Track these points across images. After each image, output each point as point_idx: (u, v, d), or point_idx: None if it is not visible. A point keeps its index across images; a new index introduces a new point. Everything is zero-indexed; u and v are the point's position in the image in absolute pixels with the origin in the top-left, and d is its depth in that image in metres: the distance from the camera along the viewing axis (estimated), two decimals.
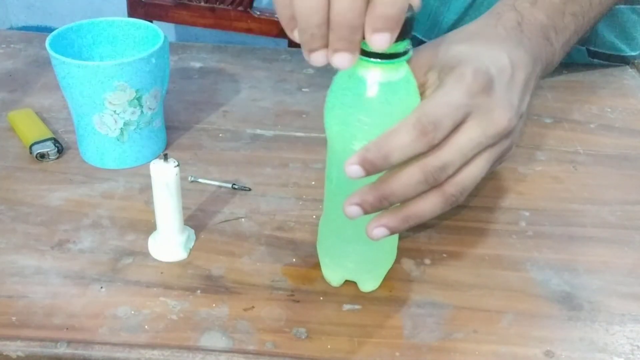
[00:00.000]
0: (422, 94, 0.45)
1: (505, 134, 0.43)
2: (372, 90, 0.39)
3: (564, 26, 0.54)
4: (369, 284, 0.48)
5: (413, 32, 0.38)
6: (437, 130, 0.39)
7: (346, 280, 0.48)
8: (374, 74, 0.38)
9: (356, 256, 0.46)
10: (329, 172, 0.44)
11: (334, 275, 0.48)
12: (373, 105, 0.39)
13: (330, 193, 0.45)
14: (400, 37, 0.37)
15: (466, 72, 0.42)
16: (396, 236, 0.47)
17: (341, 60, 0.37)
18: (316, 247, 0.49)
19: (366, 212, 0.40)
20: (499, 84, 0.43)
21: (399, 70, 0.39)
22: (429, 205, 0.42)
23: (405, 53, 0.38)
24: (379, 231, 0.41)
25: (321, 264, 0.49)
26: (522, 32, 0.50)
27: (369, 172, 0.39)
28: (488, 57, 0.44)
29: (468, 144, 0.41)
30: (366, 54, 0.38)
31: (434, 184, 0.41)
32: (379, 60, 0.38)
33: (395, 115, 0.39)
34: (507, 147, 0.45)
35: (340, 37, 0.37)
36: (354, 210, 0.40)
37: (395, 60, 0.38)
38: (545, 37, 0.52)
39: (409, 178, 0.40)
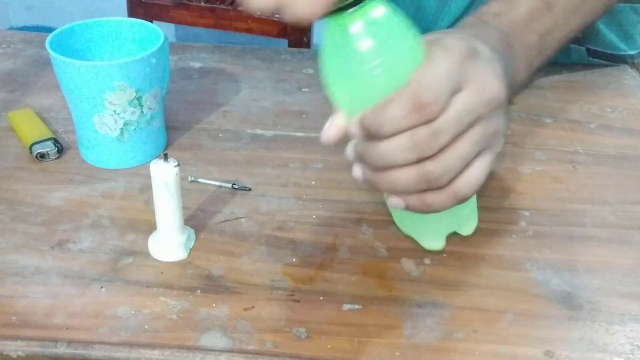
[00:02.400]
0: None
1: (497, 104, 0.42)
2: (358, 42, 0.39)
3: (528, 44, 0.54)
4: (469, 225, 0.50)
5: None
6: (437, 102, 0.39)
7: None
8: (348, 27, 0.39)
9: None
10: None
11: (437, 238, 0.50)
12: (362, 52, 0.40)
13: None
14: None
15: (450, 40, 0.42)
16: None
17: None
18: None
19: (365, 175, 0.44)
20: (482, 56, 0.43)
21: (367, 16, 0.39)
22: (402, 176, 0.42)
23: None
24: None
25: (419, 238, 0.50)
26: (488, 33, 0.50)
27: (367, 137, 0.40)
28: (468, 37, 0.44)
29: (463, 109, 0.40)
30: (333, 12, 0.39)
31: (425, 152, 0.40)
32: (340, 13, 0.39)
33: (386, 53, 0.40)
34: (497, 127, 0.43)
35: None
36: (358, 174, 0.44)
37: (354, 8, 0.39)
38: (510, 45, 0.52)
39: (397, 143, 0.40)
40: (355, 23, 0.39)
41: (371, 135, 0.40)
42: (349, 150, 0.44)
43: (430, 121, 0.39)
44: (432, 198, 0.43)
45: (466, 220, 0.50)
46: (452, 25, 0.78)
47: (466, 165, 0.42)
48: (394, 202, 0.44)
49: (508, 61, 0.50)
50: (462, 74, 0.41)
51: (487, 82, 0.42)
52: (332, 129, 0.43)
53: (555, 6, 0.56)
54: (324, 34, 0.41)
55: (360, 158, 0.43)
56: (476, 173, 0.42)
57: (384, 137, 0.40)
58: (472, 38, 0.44)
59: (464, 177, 0.42)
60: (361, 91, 0.41)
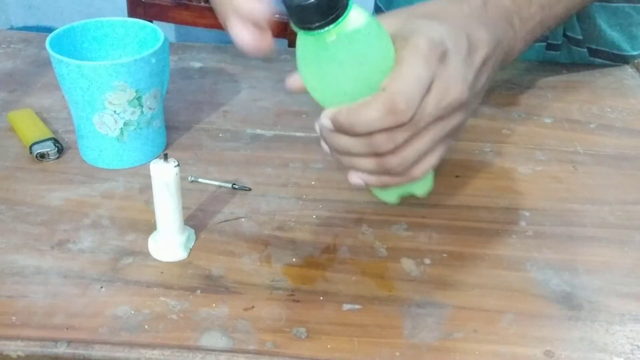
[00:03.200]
0: None
1: (457, 107, 0.43)
2: (333, 51, 0.40)
3: (530, 15, 0.54)
4: (423, 187, 0.50)
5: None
6: (409, 108, 0.40)
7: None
8: (323, 39, 0.40)
9: None
10: None
11: (391, 195, 0.51)
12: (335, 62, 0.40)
13: None
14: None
15: (420, 42, 0.42)
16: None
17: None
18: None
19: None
20: (454, 57, 0.43)
21: (342, 28, 0.39)
22: (362, 163, 0.44)
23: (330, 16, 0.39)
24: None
25: (374, 191, 0.52)
26: (486, 12, 0.50)
27: (337, 131, 0.43)
28: (445, 31, 0.44)
29: (423, 112, 0.42)
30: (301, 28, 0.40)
31: (380, 150, 0.43)
32: (309, 30, 0.39)
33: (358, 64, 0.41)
34: (458, 122, 0.45)
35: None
36: (325, 147, 0.47)
37: (330, 26, 0.39)
38: (509, 22, 0.52)
39: (356, 140, 0.43)
40: (330, 35, 0.39)
41: (342, 130, 0.43)
42: (316, 127, 0.46)
43: (404, 123, 0.41)
44: (390, 181, 0.45)
45: (420, 184, 0.51)
46: None
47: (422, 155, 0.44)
48: (354, 181, 0.46)
49: (504, 36, 0.51)
50: (430, 77, 0.42)
51: (450, 86, 0.43)
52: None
53: None
54: (297, 38, 0.41)
55: (324, 139, 0.46)
56: (431, 160, 0.45)
57: (355, 135, 0.42)
58: (453, 29, 0.45)
59: (420, 164, 0.44)
60: (336, 92, 0.42)
